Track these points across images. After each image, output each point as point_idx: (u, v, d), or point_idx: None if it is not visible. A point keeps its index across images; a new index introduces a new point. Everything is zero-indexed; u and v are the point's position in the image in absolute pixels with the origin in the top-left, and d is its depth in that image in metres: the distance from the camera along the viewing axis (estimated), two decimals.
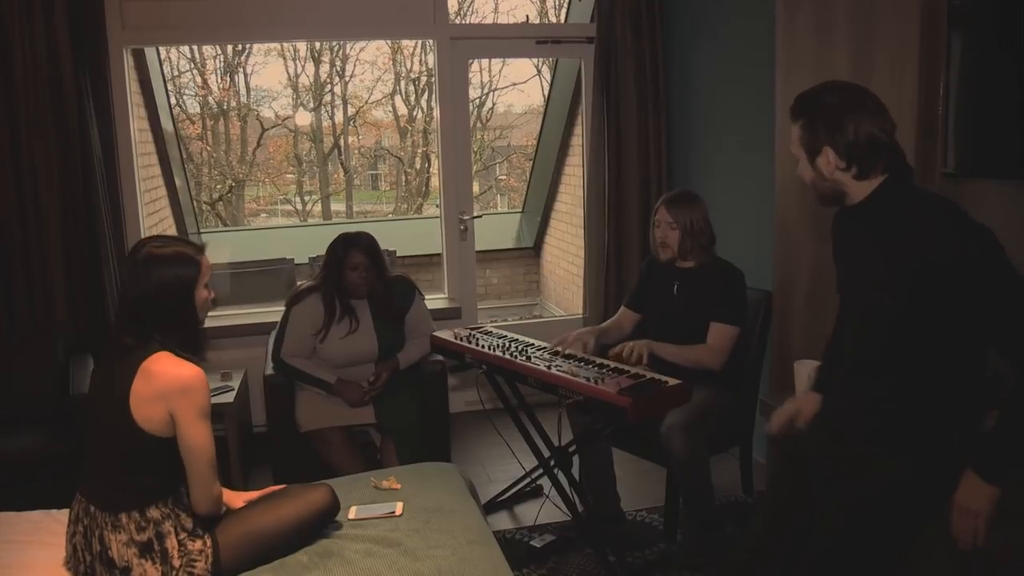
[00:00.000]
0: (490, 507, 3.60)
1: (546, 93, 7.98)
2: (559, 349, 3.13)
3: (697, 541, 3.11)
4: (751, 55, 3.80)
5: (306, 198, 13.37)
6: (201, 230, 11.28)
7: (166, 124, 6.39)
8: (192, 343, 2.22)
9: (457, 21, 4.26)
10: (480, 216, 4.87)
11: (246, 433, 4.01)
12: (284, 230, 11.71)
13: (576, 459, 3.37)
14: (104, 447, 2.15)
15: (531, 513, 3.51)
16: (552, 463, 3.26)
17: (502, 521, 3.52)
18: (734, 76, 4.04)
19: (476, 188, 14.27)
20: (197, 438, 2.09)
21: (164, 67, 11.37)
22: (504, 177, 15.12)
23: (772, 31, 3.29)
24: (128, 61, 4.27)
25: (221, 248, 8.46)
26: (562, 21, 4.75)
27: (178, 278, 2.15)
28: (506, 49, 5.00)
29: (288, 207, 13.60)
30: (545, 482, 3.50)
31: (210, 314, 4.74)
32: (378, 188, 15.18)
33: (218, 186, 12.21)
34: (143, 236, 4.32)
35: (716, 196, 4.16)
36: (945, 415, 1.92)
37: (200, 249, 2.24)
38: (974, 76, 2.42)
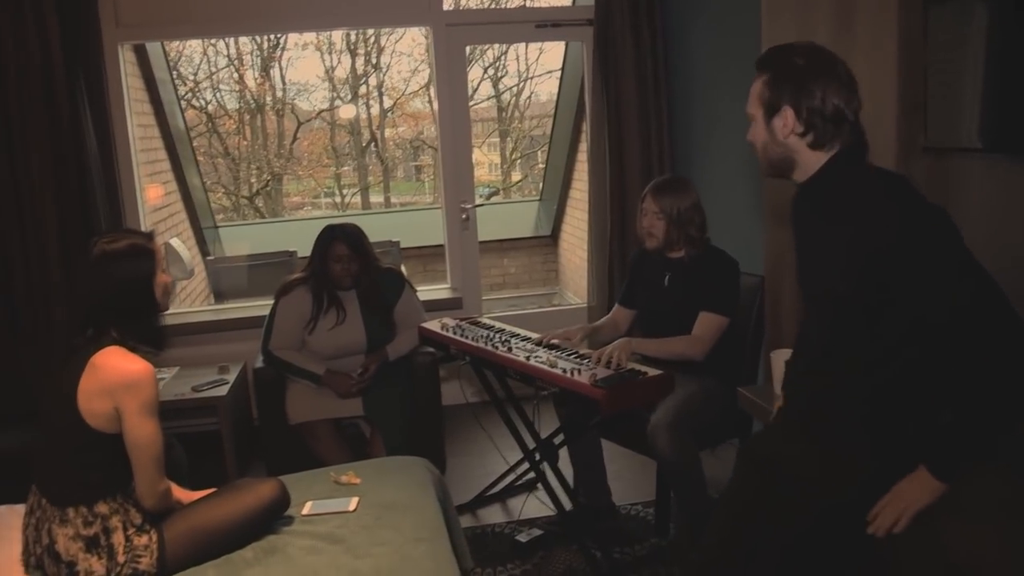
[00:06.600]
0: (482, 500, 3.56)
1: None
2: (543, 342, 3.06)
3: (688, 536, 3.02)
4: (742, 34, 3.68)
5: (344, 191, 13.45)
6: (240, 222, 11.48)
7: (176, 122, 6.43)
8: (153, 336, 2.21)
9: (453, 6, 4.20)
10: (482, 205, 4.81)
11: (245, 427, 4.02)
12: (317, 221, 11.77)
13: (566, 452, 3.29)
14: (52, 442, 2.15)
15: (523, 507, 3.45)
16: (537, 456, 3.20)
17: (494, 515, 3.47)
18: (727, 54, 3.93)
19: (516, 176, 14.23)
20: (142, 434, 2.08)
21: (203, 64, 11.60)
22: (543, 165, 14.99)
23: (758, 9, 3.16)
24: (124, 58, 4.30)
25: (248, 241, 8.59)
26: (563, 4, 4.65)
27: (136, 271, 2.15)
28: (504, 34, 4.92)
29: (329, 200, 13.71)
30: None
31: (216, 307, 4.77)
32: (420, 179, 15.21)
33: (252, 180, 12.35)
34: None
35: (714, 178, 4.05)
36: (901, 408, 1.81)
37: (150, 236, 2.23)
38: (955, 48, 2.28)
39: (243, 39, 11.31)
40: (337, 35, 11.73)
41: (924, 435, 1.78)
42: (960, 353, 1.68)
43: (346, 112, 13.24)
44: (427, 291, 4.72)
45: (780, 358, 2.61)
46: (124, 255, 2.13)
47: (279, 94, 12.56)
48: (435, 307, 4.33)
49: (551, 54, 13.51)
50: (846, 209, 1.77)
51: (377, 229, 4.61)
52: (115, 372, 2.05)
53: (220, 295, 5.96)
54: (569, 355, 2.91)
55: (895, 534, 1.76)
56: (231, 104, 12.36)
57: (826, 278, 1.84)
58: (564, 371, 2.73)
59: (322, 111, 12.88)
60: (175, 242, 5.43)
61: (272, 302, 3.56)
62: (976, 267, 1.67)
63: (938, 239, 1.66)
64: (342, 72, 12.82)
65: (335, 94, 12.90)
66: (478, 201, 4.73)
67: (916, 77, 2.42)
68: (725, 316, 3.03)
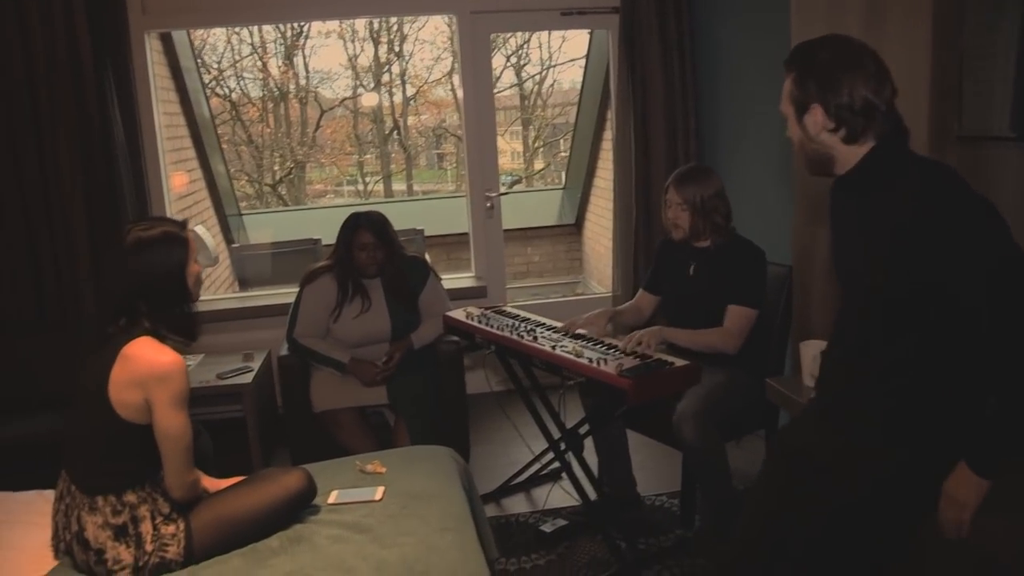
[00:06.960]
0: (507, 490, 3.55)
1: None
2: (568, 330, 3.04)
3: (713, 528, 2.99)
4: (770, 21, 3.62)
5: (367, 178, 13.47)
6: (263, 210, 11.51)
7: (201, 110, 6.44)
8: (185, 325, 2.21)
9: None
10: (506, 193, 4.78)
11: (269, 414, 4.03)
12: (341, 209, 11.78)
13: (591, 442, 3.27)
14: (82, 431, 2.16)
15: (547, 497, 3.44)
16: (562, 446, 3.18)
17: (519, 504, 3.46)
18: (755, 41, 3.88)
19: (539, 164, 14.16)
20: (172, 425, 2.08)
21: (227, 52, 11.63)
22: (566, 153, 14.91)
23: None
24: (150, 46, 4.30)
25: (272, 228, 8.59)
26: None
27: (169, 259, 2.14)
28: (529, 22, 4.87)
29: (352, 188, 13.73)
30: None
31: (240, 295, 4.78)
32: (443, 167, 15.18)
33: (275, 168, 12.40)
34: None
35: (742, 166, 4.00)
36: (934, 407, 1.76)
37: (183, 225, 2.23)
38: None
39: (267, 27, 11.33)
40: (360, 23, 11.73)
41: (955, 435, 1.74)
42: (998, 345, 1.63)
43: (369, 100, 13.24)
44: (451, 279, 4.70)
45: (809, 349, 2.58)
46: (158, 242, 2.12)
47: (302, 82, 12.59)
48: (459, 295, 4.32)
49: (574, 41, 13.42)
50: (879, 198, 1.73)
51: (400, 217, 4.59)
52: (146, 364, 2.05)
53: (245, 283, 5.97)
54: (595, 344, 2.89)
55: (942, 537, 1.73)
56: (255, 92, 12.43)
57: (856, 267, 1.82)
58: (590, 360, 2.71)
59: (345, 99, 12.89)
60: (200, 229, 5.46)
61: (297, 290, 3.56)
62: (1020, 258, 1.61)
63: (971, 229, 1.61)
64: (365, 60, 12.83)
65: (358, 82, 12.90)
66: (502, 189, 4.71)
67: (950, 65, 2.37)
68: (754, 308, 3.00)
